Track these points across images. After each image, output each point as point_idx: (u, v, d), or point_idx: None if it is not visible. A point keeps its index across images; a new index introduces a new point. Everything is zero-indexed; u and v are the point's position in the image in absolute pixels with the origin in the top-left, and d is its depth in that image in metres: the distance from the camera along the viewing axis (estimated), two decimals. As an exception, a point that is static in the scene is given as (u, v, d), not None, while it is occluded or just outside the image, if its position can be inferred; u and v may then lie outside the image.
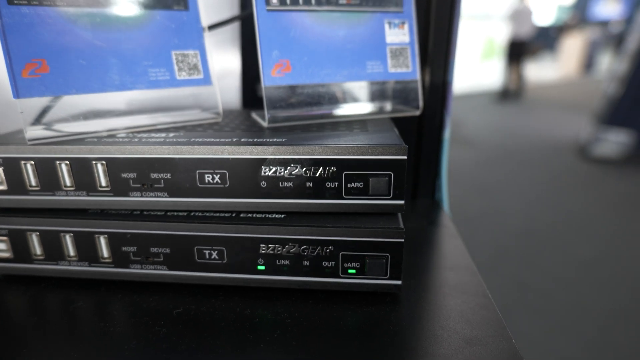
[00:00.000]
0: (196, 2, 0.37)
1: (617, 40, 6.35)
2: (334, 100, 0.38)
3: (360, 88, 0.38)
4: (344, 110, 0.38)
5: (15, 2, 0.30)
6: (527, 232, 1.78)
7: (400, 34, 0.39)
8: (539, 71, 7.02)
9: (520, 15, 4.54)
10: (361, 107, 0.39)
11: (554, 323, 1.24)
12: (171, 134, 0.34)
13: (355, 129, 0.35)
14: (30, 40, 0.31)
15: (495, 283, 1.43)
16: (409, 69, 0.39)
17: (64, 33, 0.32)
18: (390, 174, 0.30)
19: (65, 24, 0.32)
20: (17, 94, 0.30)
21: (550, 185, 2.31)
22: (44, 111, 0.33)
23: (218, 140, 0.31)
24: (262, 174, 0.30)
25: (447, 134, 0.47)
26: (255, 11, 0.34)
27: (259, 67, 0.35)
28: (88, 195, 0.32)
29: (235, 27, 0.51)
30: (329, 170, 0.30)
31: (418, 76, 0.40)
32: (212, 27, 0.40)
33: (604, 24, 7.97)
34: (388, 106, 0.39)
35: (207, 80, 0.38)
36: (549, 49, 8.31)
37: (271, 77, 0.35)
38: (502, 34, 5.86)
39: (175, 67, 0.36)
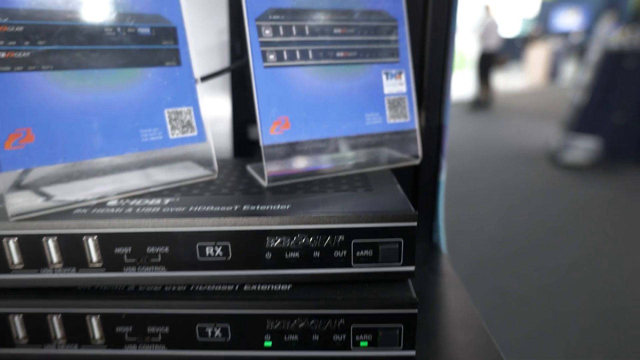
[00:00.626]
0: (189, 56, 0.36)
1: (579, 50, 6.61)
2: (334, 155, 0.37)
3: (359, 140, 0.38)
4: (345, 164, 0.37)
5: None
6: (505, 240, 1.81)
7: (397, 84, 0.38)
8: (508, 81, 7.23)
9: (487, 28, 4.67)
10: (361, 159, 0.38)
11: (535, 328, 1.26)
12: (167, 201, 0.32)
13: (358, 187, 0.34)
14: (14, 109, 0.29)
15: (478, 290, 1.45)
16: (407, 118, 0.39)
17: (49, 98, 0.30)
18: (401, 241, 0.29)
19: (51, 88, 0.30)
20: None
21: (525, 193, 2.37)
22: (28, 182, 0.31)
23: (219, 209, 0.30)
24: (267, 245, 0.29)
25: (443, 176, 0.46)
26: (252, 68, 0.33)
27: (257, 125, 0.34)
28: (78, 272, 0.30)
29: (224, 64, 0.49)
30: (337, 239, 0.29)
31: (416, 125, 0.39)
32: (204, 79, 0.39)
33: (565, 34, 8.31)
34: (388, 157, 0.39)
35: (201, 137, 0.36)
36: (515, 59, 8.59)
37: (270, 136, 0.34)
38: (471, 47, 6.02)
39: (169, 126, 0.35)
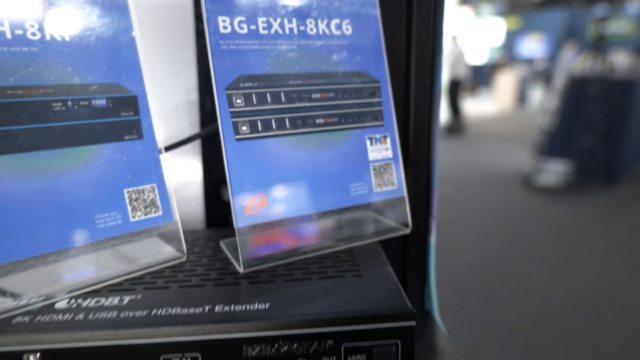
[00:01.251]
0: (151, 126, 0.32)
1: (544, 76, 6.86)
2: (317, 231, 0.33)
3: (344, 213, 0.34)
4: (329, 240, 0.34)
5: None
6: (485, 265, 1.81)
7: (383, 149, 0.35)
8: (478, 106, 7.41)
9: (456, 58, 4.81)
10: (347, 233, 0.34)
11: (523, 356, 1.24)
12: (126, 299, 0.28)
13: (346, 272, 0.30)
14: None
15: (462, 318, 1.43)
16: (394, 186, 0.36)
17: (-17, 190, 0.26)
18: (397, 342, 0.25)
19: (-16, 178, 0.26)
20: None
21: (501, 217, 2.39)
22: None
23: (187, 311, 0.26)
24: (244, 354, 0.25)
25: (433, 239, 0.43)
26: (223, 142, 0.30)
27: (231, 204, 0.30)
28: (17, 394, 0.25)
29: (194, 124, 0.46)
30: (325, 344, 0.25)
31: (405, 192, 0.36)
32: (169, 148, 0.35)
33: (529, 61, 8.65)
34: (375, 229, 0.35)
35: (167, 216, 0.32)
36: (485, 86, 8.86)
37: (245, 216, 0.30)
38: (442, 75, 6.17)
39: (129, 208, 0.31)
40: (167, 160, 0.32)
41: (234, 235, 0.36)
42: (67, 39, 0.29)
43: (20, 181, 0.27)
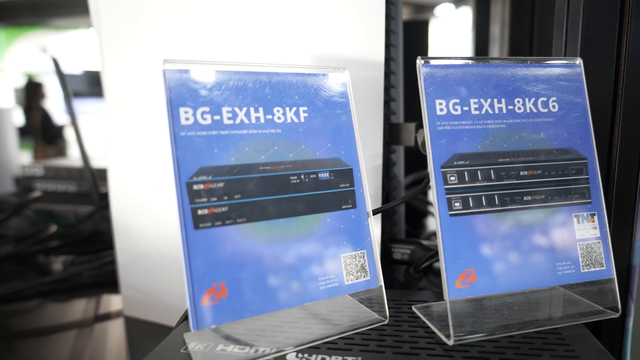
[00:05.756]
0: (363, 197, 0.35)
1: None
2: (526, 309, 0.33)
3: (551, 292, 0.33)
4: (536, 319, 0.33)
5: (200, 225, 0.29)
6: None
7: (590, 228, 0.34)
8: None
9: None
10: (554, 313, 0.33)
11: None
12: (348, 359, 0.30)
13: (562, 356, 0.29)
14: (211, 264, 0.29)
15: None
16: (602, 267, 0.34)
17: (241, 252, 0.30)
18: None
19: (243, 241, 0.30)
20: (196, 324, 0.28)
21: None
22: (213, 337, 0.31)
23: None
24: None
25: (631, 323, 0.40)
26: (439, 217, 0.32)
27: (442, 278, 0.31)
28: None
29: (377, 188, 0.48)
30: None
31: (614, 274, 0.34)
32: (376, 212, 0.38)
33: None
34: (583, 311, 0.34)
35: (373, 281, 0.34)
36: None
37: (456, 290, 0.31)
38: None
39: (344, 272, 0.34)
40: (374, 238, 0.35)
41: (425, 302, 0.37)
42: (302, 120, 0.34)
43: (266, 245, 0.31)
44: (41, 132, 3.18)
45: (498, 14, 0.85)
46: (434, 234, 0.64)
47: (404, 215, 0.55)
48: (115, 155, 0.55)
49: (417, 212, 0.86)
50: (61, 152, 3.33)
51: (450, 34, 2.79)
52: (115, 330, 0.57)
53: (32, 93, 3.24)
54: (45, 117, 3.17)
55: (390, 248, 0.50)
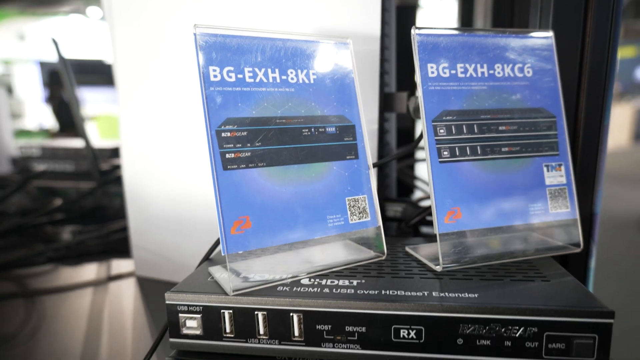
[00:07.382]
0: (364, 150, 0.40)
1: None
2: (504, 243, 0.39)
3: (524, 229, 0.39)
4: (511, 252, 0.39)
5: (228, 167, 0.34)
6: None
7: (557, 176, 0.40)
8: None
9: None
10: (526, 248, 0.39)
11: None
12: (354, 282, 0.35)
13: (534, 278, 0.35)
14: (238, 200, 0.34)
15: None
16: (567, 209, 0.40)
17: (262, 190, 0.35)
18: (595, 337, 0.30)
19: (263, 182, 0.35)
20: (226, 249, 0.33)
21: (617, 263, 2.18)
22: (242, 261, 0.36)
23: (410, 294, 0.32)
24: (460, 331, 0.31)
25: (592, 263, 0.46)
26: (430, 164, 0.37)
27: (433, 214, 0.37)
28: (280, 344, 0.33)
29: (374, 149, 0.53)
30: (530, 330, 0.30)
31: (577, 215, 0.40)
32: (376, 165, 0.43)
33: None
34: (549, 246, 0.40)
35: (374, 221, 0.40)
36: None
37: (444, 224, 0.37)
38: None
39: (349, 212, 0.39)
40: (374, 185, 0.40)
41: (417, 244, 0.43)
42: (312, 81, 0.39)
43: (283, 186, 0.36)
44: (57, 120, 3.13)
45: (481, 3, 0.90)
46: (421, 199, 0.70)
47: (395, 178, 0.61)
48: (126, 125, 0.59)
49: (407, 187, 0.92)
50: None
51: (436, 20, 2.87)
52: (129, 288, 0.61)
53: (53, 82, 3.19)
54: (61, 105, 3.11)
55: (383, 206, 0.56)
